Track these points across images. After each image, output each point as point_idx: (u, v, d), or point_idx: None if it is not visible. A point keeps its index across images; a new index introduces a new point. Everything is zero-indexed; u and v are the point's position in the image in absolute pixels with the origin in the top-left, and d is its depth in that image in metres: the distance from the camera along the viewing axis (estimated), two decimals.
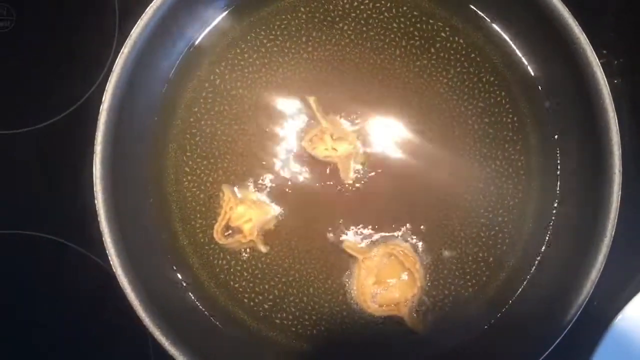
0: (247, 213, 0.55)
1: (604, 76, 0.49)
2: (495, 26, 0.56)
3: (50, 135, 0.61)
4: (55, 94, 0.61)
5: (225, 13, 0.56)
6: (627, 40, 0.61)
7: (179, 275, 0.56)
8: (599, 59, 0.50)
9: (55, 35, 0.62)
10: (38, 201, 0.62)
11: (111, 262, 0.50)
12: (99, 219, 0.50)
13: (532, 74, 0.56)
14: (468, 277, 0.55)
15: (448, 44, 0.56)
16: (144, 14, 0.50)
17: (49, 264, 0.61)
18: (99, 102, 0.50)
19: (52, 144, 0.61)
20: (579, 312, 0.49)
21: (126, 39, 0.50)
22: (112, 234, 0.50)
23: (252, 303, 0.56)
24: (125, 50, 0.50)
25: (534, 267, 0.55)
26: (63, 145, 0.61)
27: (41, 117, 0.61)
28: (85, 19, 0.62)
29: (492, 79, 0.56)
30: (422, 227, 0.55)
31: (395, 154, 0.56)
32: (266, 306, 0.56)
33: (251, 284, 0.56)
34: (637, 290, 0.55)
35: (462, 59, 0.56)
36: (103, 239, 0.50)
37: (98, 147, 0.50)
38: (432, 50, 0.56)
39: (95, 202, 0.50)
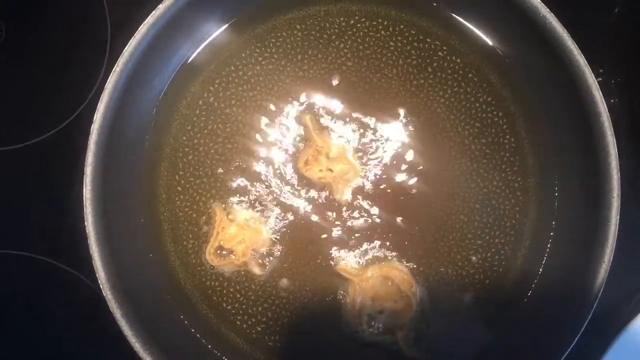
0: (240, 234, 0.54)
1: (602, 96, 0.49)
2: (492, 45, 0.55)
3: (39, 153, 0.60)
4: (45, 111, 0.60)
5: (219, 30, 0.55)
6: (624, 59, 0.60)
7: (170, 297, 0.55)
8: (596, 78, 0.49)
9: (46, 50, 0.61)
10: (27, 220, 0.61)
11: (100, 285, 0.49)
12: (88, 242, 0.49)
13: (530, 94, 0.55)
14: (464, 299, 0.54)
15: (445, 63, 0.55)
16: (136, 32, 0.49)
17: (37, 284, 0.60)
18: (90, 119, 0.49)
19: (41, 162, 0.60)
20: (576, 338, 0.49)
21: (118, 55, 0.49)
22: (102, 256, 0.49)
23: (244, 325, 0.55)
24: (118, 68, 0.49)
25: (531, 291, 0.54)
26: (52, 164, 0.60)
27: (29, 134, 0.60)
28: (77, 35, 0.61)
29: (489, 99, 0.55)
30: (418, 248, 0.55)
31: (392, 174, 0.55)
32: (259, 328, 0.55)
33: (244, 306, 0.55)
34: (633, 316, 0.54)
35: (459, 78, 0.55)
36: (93, 261, 0.49)
37: (88, 168, 0.49)
38: (429, 69, 0.55)
39: (85, 223, 0.49)
